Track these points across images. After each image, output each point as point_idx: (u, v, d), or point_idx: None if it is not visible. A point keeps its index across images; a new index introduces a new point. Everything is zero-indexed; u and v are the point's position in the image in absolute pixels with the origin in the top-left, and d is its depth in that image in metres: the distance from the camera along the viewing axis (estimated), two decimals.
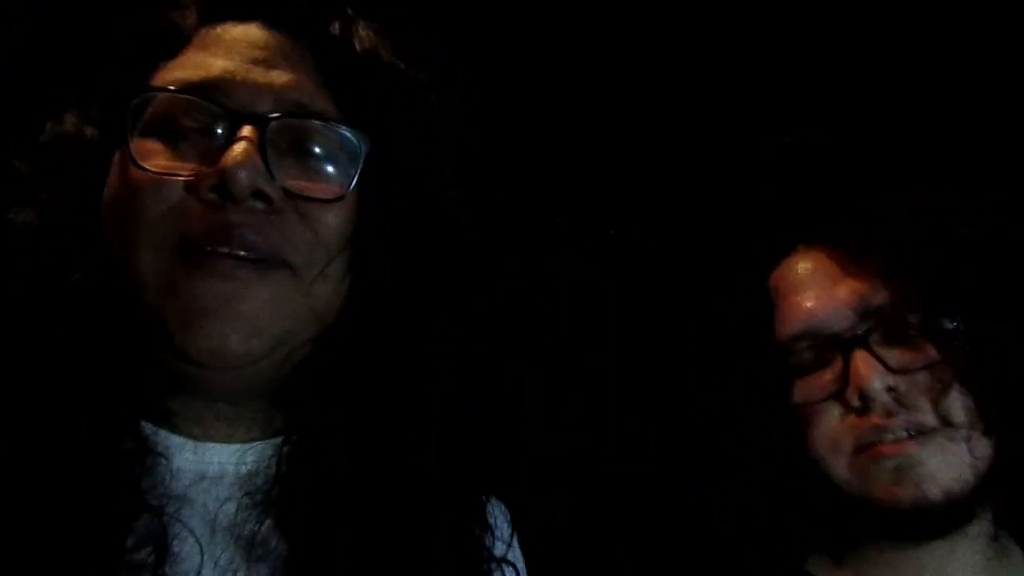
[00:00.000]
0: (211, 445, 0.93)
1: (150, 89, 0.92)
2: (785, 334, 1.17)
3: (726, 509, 1.18)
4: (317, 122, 0.92)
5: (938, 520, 1.09)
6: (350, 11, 1.00)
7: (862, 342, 1.11)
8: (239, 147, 0.87)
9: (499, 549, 1.02)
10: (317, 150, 0.93)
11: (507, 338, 1.15)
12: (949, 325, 1.13)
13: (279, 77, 0.92)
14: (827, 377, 1.13)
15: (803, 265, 1.19)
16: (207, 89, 0.90)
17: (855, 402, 1.10)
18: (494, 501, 1.06)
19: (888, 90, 1.49)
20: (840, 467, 1.12)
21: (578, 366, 1.54)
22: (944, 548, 1.12)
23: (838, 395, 1.12)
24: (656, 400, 1.38)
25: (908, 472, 1.08)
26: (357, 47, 0.98)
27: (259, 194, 0.88)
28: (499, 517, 1.06)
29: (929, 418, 1.09)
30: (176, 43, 0.96)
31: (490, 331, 1.06)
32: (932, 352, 1.11)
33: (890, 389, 1.09)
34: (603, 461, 1.47)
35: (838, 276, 1.16)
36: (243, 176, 0.86)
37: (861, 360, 1.10)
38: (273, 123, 0.90)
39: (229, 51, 0.93)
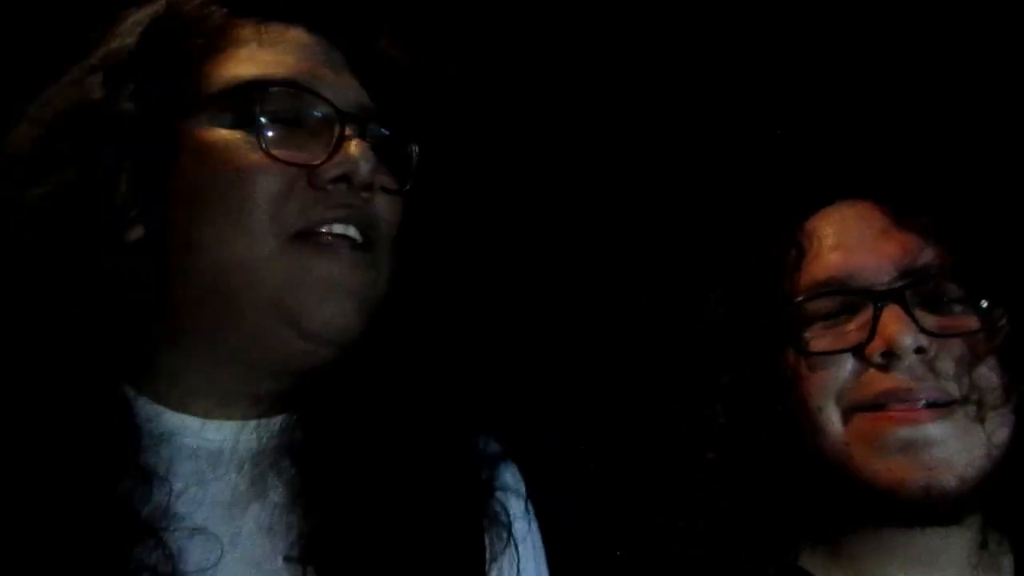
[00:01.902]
0: (220, 423, 0.97)
1: (273, 83, 0.97)
2: (813, 280, 1.11)
3: (711, 496, 1.12)
4: (389, 133, 1.04)
5: (946, 508, 1.02)
6: (378, 18, 1.08)
7: (898, 296, 1.04)
8: (357, 142, 0.98)
9: (513, 509, 1.05)
10: (390, 149, 1.04)
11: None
12: (988, 303, 1.07)
13: (346, 80, 1.03)
14: (850, 328, 1.07)
15: (848, 214, 1.14)
16: (303, 85, 0.99)
17: (877, 358, 1.04)
18: (509, 464, 1.09)
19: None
20: (835, 426, 1.06)
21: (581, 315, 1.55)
22: (938, 537, 1.06)
23: (859, 348, 1.05)
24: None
25: (921, 451, 1.02)
26: (392, 54, 1.07)
27: (368, 188, 0.99)
28: (512, 480, 1.09)
29: (953, 388, 1.03)
30: (214, 34, 1.00)
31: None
32: (968, 323, 1.06)
33: (919, 350, 1.03)
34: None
35: (884, 230, 1.10)
36: (365, 167, 0.98)
37: (894, 315, 1.04)
38: (370, 124, 1.01)
39: (301, 51, 1.02)
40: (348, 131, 0.98)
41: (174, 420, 0.95)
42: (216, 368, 0.97)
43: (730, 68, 1.58)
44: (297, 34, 1.03)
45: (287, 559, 0.92)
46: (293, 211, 0.95)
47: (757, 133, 1.39)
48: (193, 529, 0.90)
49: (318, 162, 0.96)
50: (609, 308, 1.54)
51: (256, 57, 0.99)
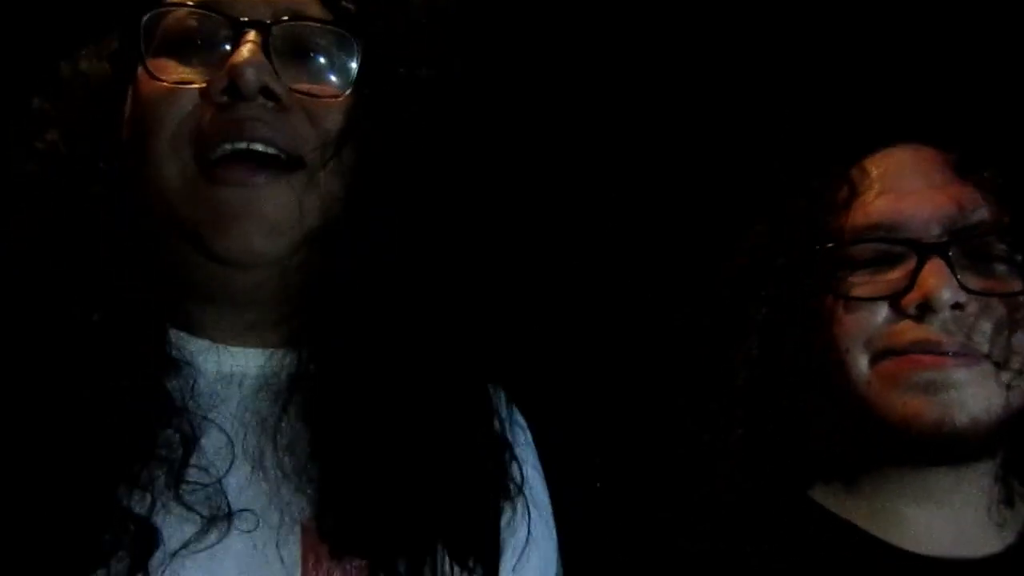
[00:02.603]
0: (236, 349, 0.98)
1: (158, 6, 0.97)
2: (860, 223, 1.10)
3: (728, 424, 1.14)
4: (315, 24, 0.97)
5: (955, 447, 1.04)
6: None
7: (942, 251, 1.05)
8: (245, 48, 0.93)
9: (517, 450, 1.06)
10: (316, 52, 0.98)
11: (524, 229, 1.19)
12: None
13: None
14: (890, 276, 1.08)
15: (905, 158, 1.12)
16: (210, 4, 0.96)
17: (912, 309, 1.05)
18: (513, 410, 1.10)
19: None
20: (861, 367, 1.07)
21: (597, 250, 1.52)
22: (951, 477, 1.08)
23: (895, 297, 1.06)
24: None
25: (940, 391, 1.03)
26: None
27: (267, 92, 0.93)
28: (521, 432, 1.10)
29: (982, 346, 1.04)
30: None
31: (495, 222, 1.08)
32: (1011, 285, 1.06)
33: (956, 306, 1.04)
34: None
35: (940, 181, 1.09)
36: (250, 72, 0.91)
37: (935, 268, 1.04)
38: (274, 27, 0.95)
39: None
40: (248, 37, 0.93)
41: (192, 344, 0.97)
42: (199, 297, 0.98)
43: None
44: None
45: (296, 478, 0.94)
46: (188, 133, 0.93)
47: (821, 62, 1.35)
48: (207, 444, 0.93)
49: (208, 79, 0.93)
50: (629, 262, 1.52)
51: None
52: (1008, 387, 1.04)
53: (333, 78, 0.98)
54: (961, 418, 1.03)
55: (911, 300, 1.05)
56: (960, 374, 1.04)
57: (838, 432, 1.10)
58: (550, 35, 1.51)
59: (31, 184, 0.96)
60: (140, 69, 0.96)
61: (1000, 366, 1.04)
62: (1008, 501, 1.11)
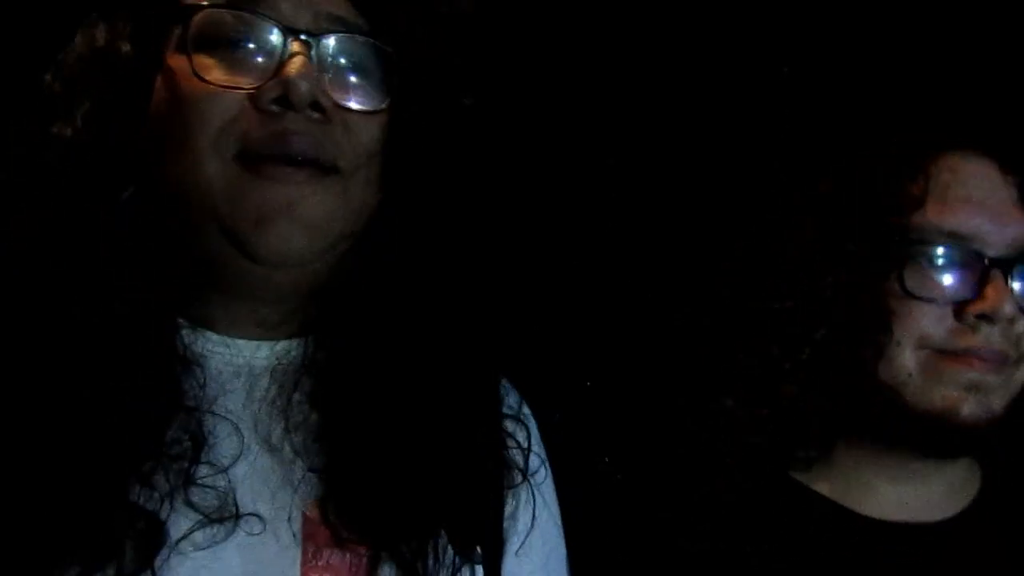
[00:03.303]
0: (244, 342, 1.00)
1: (204, 6, 0.95)
2: (935, 225, 1.14)
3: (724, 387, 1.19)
4: (360, 38, 0.98)
5: (973, 442, 1.14)
6: None
7: (1007, 267, 1.12)
8: (297, 60, 0.94)
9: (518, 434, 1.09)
10: (358, 65, 0.99)
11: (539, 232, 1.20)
12: None
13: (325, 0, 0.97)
14: (952, 280, 1.13)
15: (986, 168, 1.16)
16: (251, 4, 0.95)
17: (971, 319, 1.11)
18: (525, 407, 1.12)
19: None
20: (908, 360, 1.13)
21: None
22: (931, 466, 1.19)
23: (959, 303, 1.12)
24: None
25: (978, 391, 1.11)
26: None
27: (315, 105, 0.94)
28: (523, 412, 1.12)
29: (1017, 355, 1.13)
30: None
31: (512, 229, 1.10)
32: None
33: (1009, 321, 1.11)
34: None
35: (1013, 200, 1.14)
36: (304, 87, 0.93)
37: (999, 283, 1.11)
38: (323, 39, 0.96)
39: None
40: (296, 47, 0.94)
41: (201, 337, 0.99)
42: (217, 292, 0.99)
43: None
44: None
45: (301, 462, 0.97)
46: (234, 134, 0.94)
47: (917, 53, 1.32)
48: (217, 439, 0.95)
49: (258, 84, 0.94)
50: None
51: None
52: (1015, 381, 1.14)
53: (373, 92, 0.99)
54: (988, 417, 1.12)
55: (975, 310, 1.11)
56: (995, 379, 1.12)
57: (845, 414, 1.17)
58: (556, 36, 1.48)
59: (43, 173, 0.95)
60: (175, 61, 0.95)
61: (1019, 371, 1.14)
62: (966, 476, 1.22)
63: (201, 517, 0.91)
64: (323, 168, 0.95)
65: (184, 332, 0.98)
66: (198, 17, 0.95)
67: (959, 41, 1.35)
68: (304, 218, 0.94)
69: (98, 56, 0.97)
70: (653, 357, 1.33)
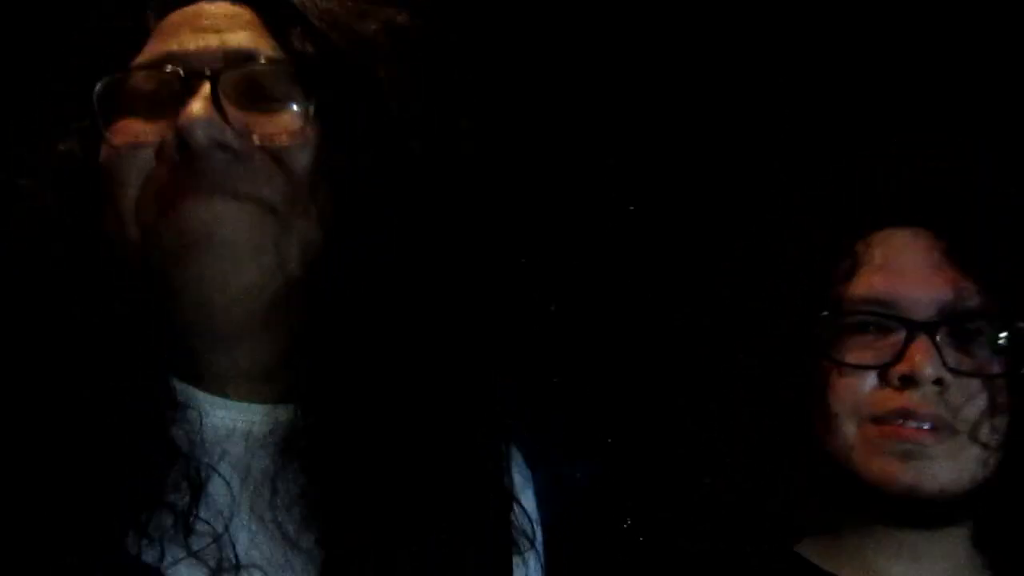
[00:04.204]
0: (240, 403, 0.97)
1: (108, 72, 0.96)
2: (858, 296, 1.18)
3: (719, 477, 1.23)
4: (265, 66, 0.95)
5: (926, 510, 1.14)
6: None
7: (930, 330, 1.13)
8: (194, 103, 0.91)
9: (521, 496, 1.05)
10: (272, 93, 0.96)
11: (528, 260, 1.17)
12: (1018, 356, 1.15)
13: (229, 37, 0.96)
14: (879, 345, 1.16)
15: (903, 239, 1.20)
16: (161, 62, 0.95)
17: (895, 381, 1.13)
18: (514, 450, 1.08)
19: None
20: (848, 431, 1.15)
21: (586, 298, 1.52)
22: (924, 537, 1.17)
23: (883, 367, 1.15)
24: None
25: (914, 459, 1.12)
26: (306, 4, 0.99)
27: (220, 146, 0.91)
28: (518, 465, 1.08)
29: (959, 423, 1.13)
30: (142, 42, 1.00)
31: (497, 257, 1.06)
32: (991, 367, 1.15)
33: (937, 382, 1.12)
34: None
35: (934, 263, 1.17)
36: (198, 129, 0.90)
37: (923, 345, 1.13)
38: (223, 75, 0.92)
39: (179, 27, 0.98)
40: (197, 91, 0.92)
41: (198, 395, 0.97)
42: (198, 346, 0.97)
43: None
44: (196, 8, 1.00)
45: (298, 542, 0.94)
46: (150, 192, 0.93)
47: (833, 147, 1.38)
48: (213, 495, 0.93)
49: (162, 136, 0.93)
50: (624, 296, 1.52)
51: (144, 50, 0.99)
52: (978, 462, 1.14)
53: (293, 117, 0.95)
54: (931, 485, 1.12)
55: (897, 371, 1.14)
56: (934, 447, 1.12)
57: (824, 491, 1.20)
58: (553, 32, 1.50)
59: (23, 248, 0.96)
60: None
61: (973, 441, 1.14)
62: (983, 567, 1.20)
63: (204, 569, 0.88)
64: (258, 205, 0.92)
65: (178, 388, 0.95)
66: (113, 87, 0.95)
67: (886, 118, 1.44)
68: (225, 243, 0.91)
69: (58, 158, 0.99)
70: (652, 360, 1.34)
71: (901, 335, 1.16)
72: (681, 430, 1.25)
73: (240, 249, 0.91)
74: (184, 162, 0.91)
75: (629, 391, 1.46)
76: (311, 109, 0.95)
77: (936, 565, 1.18)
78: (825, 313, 1.20)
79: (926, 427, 1.13)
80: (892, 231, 1.22)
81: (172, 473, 0.90)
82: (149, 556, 0.87)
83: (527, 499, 1.06)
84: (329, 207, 0.95)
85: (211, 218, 0.91)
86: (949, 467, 1.13)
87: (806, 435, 1.20)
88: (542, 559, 1.03)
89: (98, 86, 0.95)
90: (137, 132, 0.94)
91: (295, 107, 0.95)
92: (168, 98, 0.94)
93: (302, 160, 0.94)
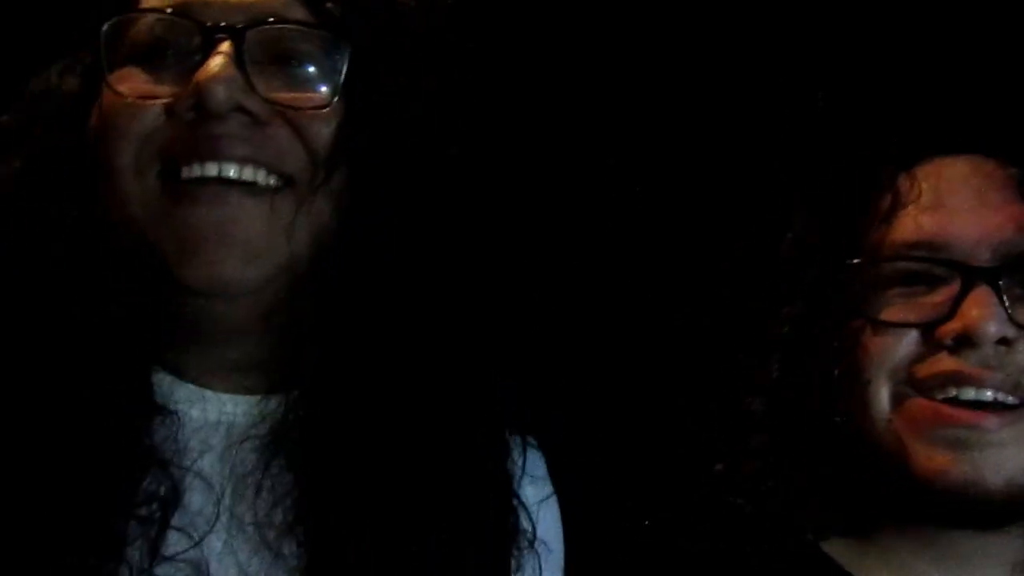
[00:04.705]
0: (224, 396, 0.92)
1: (121, 12, 0.90)
2: (901, 239, 1.00)
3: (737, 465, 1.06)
4: (295, 27, 0.89)
5: (983, 507, 0.96)
6: None
7: (991, 277, 0.95)
8: (214, 61, 0.85)
9: (529, 492, 0.98)
10: (299, 58, 0.90)
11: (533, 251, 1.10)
12: None
13: None
14: (927, 300, 0.98)
15: (957, 170, 1.02)
16: (180, 9, 0.88)
17: (948, 339, 0.95)
18: (529, 442, 1.02)
19: None
20: (881, 400, 0.98)
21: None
22: (977, 540, 1.00)
23: (931, 325, 0.96)
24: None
25: (971, 448, 0.95)
26: None
27: (240, 109, 0.86)
28: (533, 459, 1.01)
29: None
30: None
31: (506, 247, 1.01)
32: None
33: (1002, 341, 0.94)
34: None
35: (995, 198, 0.99)
36: (219, 90, 0.84)
37: (981, 296, 0.94)
38: (249, 33, 0.87)
39: None
40: (221, 48, 0.86)
41: (177, 388, 0.92)
42: (185, 336, 0.92)
43: None
44: None
45: (280, 545, 0.88)
46: (155, 149, 0.87)
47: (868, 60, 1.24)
48: (189, 503, 0.88)
49: (176, 92, 0.87)
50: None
51: None
52: None
53: (320, 87, 0.90)
54: (995, 479, 0.94)
55: (949, 330, 0.95)
56: (997, 432, 0.95)
57: (855, 479, 1.02)
58: (555, 32, 1.44)
59: None
60: (108, 80, 0.89)
61: None
62: None
63: None
64: (264, 184, 0.87)
65: (159, 380, 0.90)
66: (121, 28, 0.89)
67: (929, 37, 1.28)
68: (238, 242, 0.85)
69: (47, 93, 0.94)
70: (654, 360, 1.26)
71: (955, 285, 0.96)
72: (693, 413, 1.13)
73: (253, 247, 0.86)
74: (198, 122, 0.86)
75: (644, 373, 1.37)
76: (339, 81, 0.90)
77: (986, 572, 1.01)
78: (857, 261, 1.01)
79: (987, 398, 0.95)
80: (943, 160, 1.03)
81: (146, 481, 0.85)
82: (121, 571, 0.82)
83: (547, 508, 1.00)
84: (346, 188, 0.90)
85: (225, 215, 0.86)
86: (1017, 453, 0.95)
87: (834, 411, 1.02)
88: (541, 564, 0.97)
89: (106, 25, 0.89)
90: (146, 83, 0.89)
91: (322, 77, 0.90)
92: (184, 51, 0.88)
93: (325, 131, 0.89)
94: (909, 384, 0.98)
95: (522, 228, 1.07)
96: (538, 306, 1.14)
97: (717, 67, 1.43)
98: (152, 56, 0.89)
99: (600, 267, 1.44)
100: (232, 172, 0.86)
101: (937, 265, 0.98)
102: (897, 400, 0.98)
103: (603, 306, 1.43)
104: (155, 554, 0.83)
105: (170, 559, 0.83)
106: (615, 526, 1.16)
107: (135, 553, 0.83)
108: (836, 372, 1.01)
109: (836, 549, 1.07)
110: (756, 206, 1.16)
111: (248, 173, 0.86)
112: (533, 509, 0.97)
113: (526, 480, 0.98)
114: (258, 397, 0.92)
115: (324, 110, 0.89)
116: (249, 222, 0.86)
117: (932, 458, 0.95)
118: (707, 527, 1.07)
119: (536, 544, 0.95)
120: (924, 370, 0.97)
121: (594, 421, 1.36)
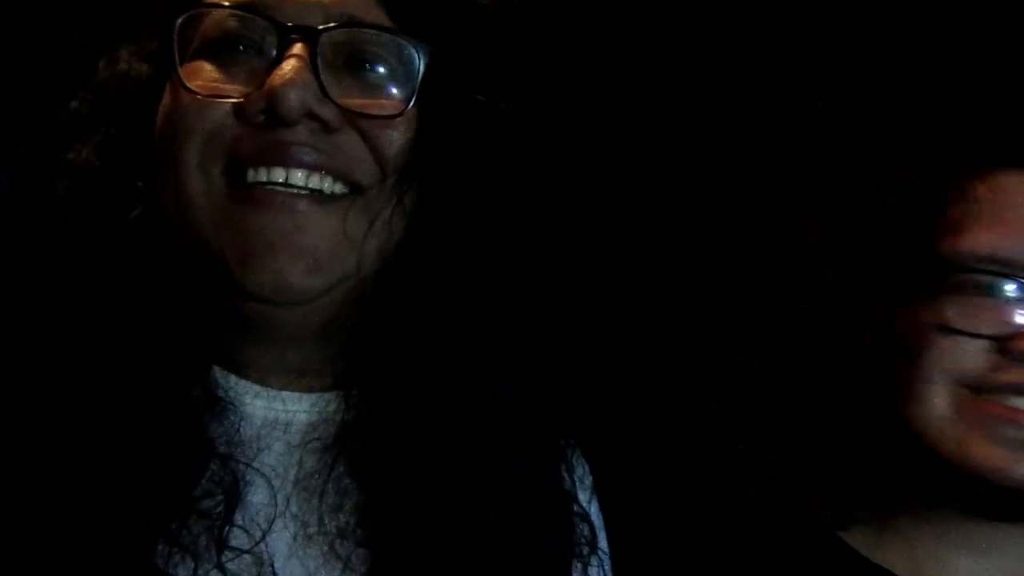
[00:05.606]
0: (283, 393, 0.91)
1: (195, 5, 0.87)
2: (976, 250, 1.01)
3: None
4: (371, 31, 0.86)
5: None
6: None
7: None
8: (288, 64, 0.83)
9: (581, 497, 0.99)
10: (374, 63, 0.87)
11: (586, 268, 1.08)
12: None
13: None
14: (995, 314, 1.00)
15: None
16: (255, 7, 0.86)
17: (1016, 353, 0.98)
18: (576, 451, 1.02)
19: None
20: (940, 399, 1.00)
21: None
22: (1000, 529, 1.04)
23: (1000, 338, 0.99)
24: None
25: None
26: None
27: (312, 116, 0.84)
28: (580, 467, 1.02)
29: None
30: None
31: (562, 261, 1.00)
32: None
33: None
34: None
35: None
36: (292, 96, 0.82)
37: None
38: (324, 36, 0.84)
39: None
40: (293, 49, 0.83)
41: (238, 385, 0.90)
42: (246, 334, 0.90)
43: None
44: None
45: (343, 547, 0.87)
46: (221, 147, 0.85)
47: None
48: (251, 499, 0.86)
49: (247, 92, 0.84)
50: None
51: None
52: None
53: (394, 92, 0.87)
54: None
55: (1018, 344, 0.98)
56: None
57: (886, 468, 1.05)
58: (555, 32, 1.37)
59: (62, 202, 0.88)
60: (180, 72, 0.87)
61: None
62: None
63: None
64: (331, 192, 0.85)
65: (219, 375, 0.89)
66: (195, 21, 0.87)
67: (1009, 44, 1.26)
68: (304, 251, 0.83)
69: (118, 79, 0.91)
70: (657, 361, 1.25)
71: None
72: (713, 403, 1.16)
73: (318, 257, 0.84)
74: (267, 126, 0.84)
75: (659, 363, 1.37)
76: (415, 87, 0.87)
77: (1006, 560, 1.05)
78: (925, 270, 1.03)
79: None
80: (1012, 175, 1.04)
81: (207, 475, 0.84)
82: (180, 571, 0.81)
83: (590, 506, 1.00)
84: (416, 197, 0.88)
85: (292, 222, 0.84)
86: None
87: (874, 399, 1.05)
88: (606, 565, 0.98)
89: (181, 17, 0.87)
90: (216, 79, 0.86)
91: (396, 82, 0.87)
92: (257, 48, 0.86)
93: (397, 140, 0.87)
94: (969, 386, 1.00)
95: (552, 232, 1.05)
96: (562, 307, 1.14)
97: (748, 66, 1.42)
98: (223, 51, 0.86)
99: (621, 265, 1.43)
100: (300, 179, 0.84)
101: (1008, 281, 1.00)
102: (954, 397, 1.01)
103: (608, 301, 1.42)
104: (221, 546, 0.81)
105: (234, 553, 0.82)
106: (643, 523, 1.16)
107: (198, 545, 0.81)
108: (895, 368, 1.03)
109: (855, 538, 1.10)
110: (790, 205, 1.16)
111: (315, 180, 0.84)
112: (594, 516, 0.97)
113: (578, 486, 0.98)
114: (317, 395, 0.91)
115: (396, 118, 0.86)
116: (316, 231, 0.84)
117: (988, 456, 0.98)
118: (727, 518, 1.10)
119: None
120: (993, 377, 0.99)
121: (616, 420, 1.35)
